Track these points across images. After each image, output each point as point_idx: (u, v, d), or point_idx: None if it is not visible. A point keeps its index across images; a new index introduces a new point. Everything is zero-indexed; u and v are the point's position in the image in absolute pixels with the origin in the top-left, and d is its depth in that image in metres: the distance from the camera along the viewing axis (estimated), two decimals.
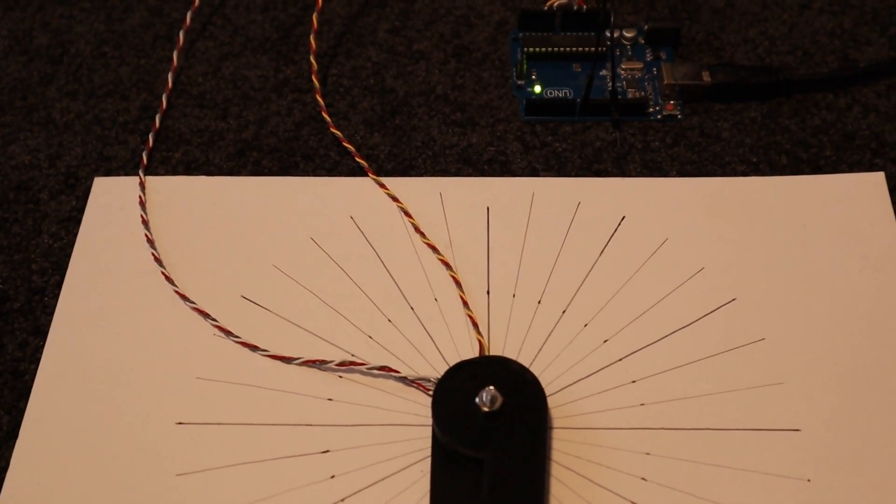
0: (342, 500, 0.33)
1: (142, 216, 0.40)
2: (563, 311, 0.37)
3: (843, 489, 0.33)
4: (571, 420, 0.35)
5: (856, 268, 0.38)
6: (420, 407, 0.35)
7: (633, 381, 0.36)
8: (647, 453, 0.34)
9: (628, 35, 0.46)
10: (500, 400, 0.33)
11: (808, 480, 0.33)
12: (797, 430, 0.34)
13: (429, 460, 0.34)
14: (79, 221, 0.41)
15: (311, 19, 0.45)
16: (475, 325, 0.37)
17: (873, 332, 0.36)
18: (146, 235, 0.40)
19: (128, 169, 0.42)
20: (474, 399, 0.33)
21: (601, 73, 0.44)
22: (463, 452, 0.33)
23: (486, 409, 0.33)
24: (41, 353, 0.37)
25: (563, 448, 0.34)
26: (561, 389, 0.35)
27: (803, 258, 0.38)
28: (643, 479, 0.33)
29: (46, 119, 0.44)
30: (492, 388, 0.33)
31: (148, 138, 0.43)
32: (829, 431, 0.34)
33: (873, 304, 0.37)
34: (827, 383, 0.35)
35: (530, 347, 0.36)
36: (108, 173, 0.42)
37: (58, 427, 0.35)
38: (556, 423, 0.35)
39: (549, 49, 0.45)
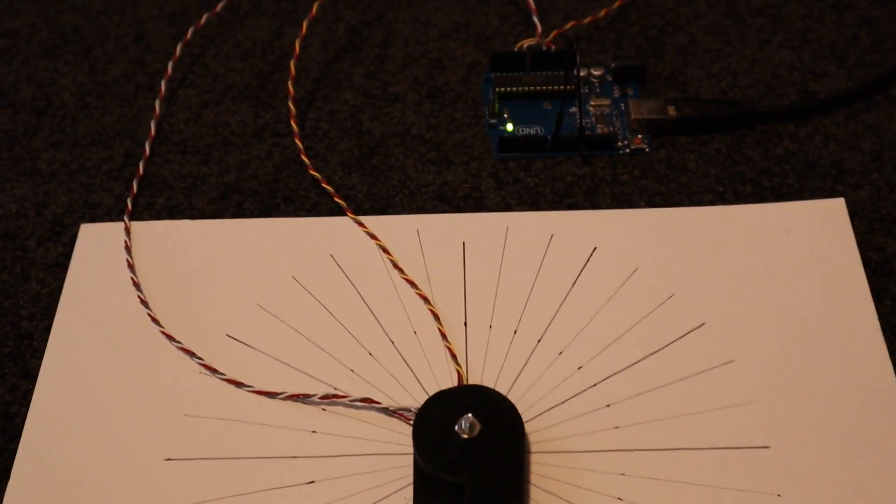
0: None
1: (127, 260, 0.41)
2: (539, 340, 0.38)
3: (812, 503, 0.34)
4: (549, 444, 0.36)
5: (818, 291, 0.39)
6: (401, 436, 0.36)
7: (608, 406, 0.37)
8: (623, 474, 0.35)
9: (596, 73, 0.47)
10: (478, 427, 0.34)
11: (779, 495, 0.34)
12: (766, 447, 0.35)
13: (411, 488, 0.35)
14: (66, 267, 0.42)
15: (289, 66, 0.47)
16: (453, 356, 0.38)
17: (836, 352, 0.38)
18: (132, 279, 0.41)
19: (113, 215, 0.43)
20: (453, 427, 0.34)
21: (571, 111, 0.46)
22: (444, 478, 0.34)
23: (465, 435, 0.34)
24: (31, 397, 0.38)
25: (542, 472, 0.35)
26: (538, 415, 0.36)
27: (769, 282, 0.40)
28: (619, 499, 0.34)
29: (32, 169, 0.45)
30: (470, 415, 0.34)
31: (132, 185, 0.44)
32: (798, 447, 0.35)
33: (836, 325, 0.38)
34: (794, 401, 0.36)
35: (507, 376, 0.38)
36: (93, 220, 0.43)
37: (49, 468, 0.36)
38: (533, 447, 0.36)
39: (520, 88, 0.47)
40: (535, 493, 0.35)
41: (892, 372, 0.37)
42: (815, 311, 0.39)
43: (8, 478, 0.36)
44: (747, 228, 0.41)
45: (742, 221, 0.42)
